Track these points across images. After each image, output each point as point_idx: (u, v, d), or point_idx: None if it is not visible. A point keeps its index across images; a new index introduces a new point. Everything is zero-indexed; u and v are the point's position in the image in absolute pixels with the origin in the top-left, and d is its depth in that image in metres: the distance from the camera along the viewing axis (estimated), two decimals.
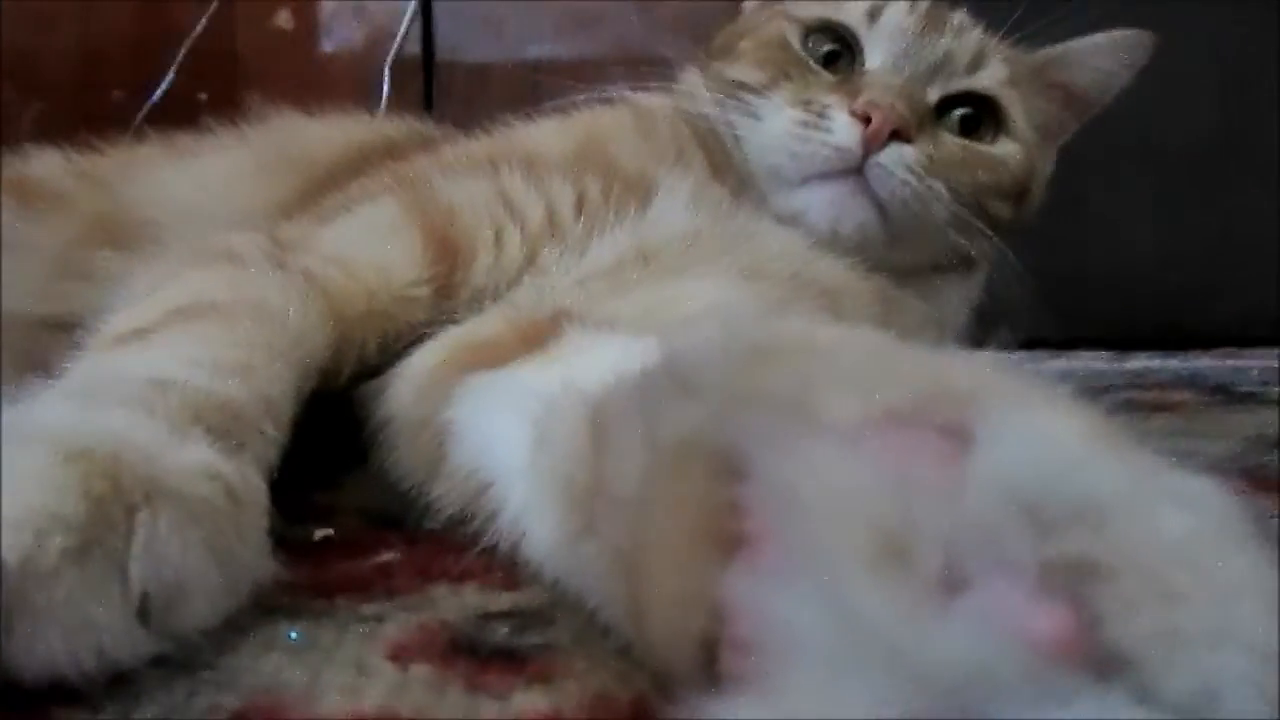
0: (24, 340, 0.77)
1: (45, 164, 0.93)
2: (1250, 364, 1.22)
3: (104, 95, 1.65)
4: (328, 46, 1.77)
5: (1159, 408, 0.96)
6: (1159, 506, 0.20)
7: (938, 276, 0.78)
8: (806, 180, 0.69)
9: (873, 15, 0.74)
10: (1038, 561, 0.20)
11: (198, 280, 0.55)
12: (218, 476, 0.38)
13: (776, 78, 0.73)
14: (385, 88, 1.66)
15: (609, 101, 0.78)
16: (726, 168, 0.73)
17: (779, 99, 0.71)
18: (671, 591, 0.28)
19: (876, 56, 0.73)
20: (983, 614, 0.20)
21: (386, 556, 0.47)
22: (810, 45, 0.75)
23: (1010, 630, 0.20)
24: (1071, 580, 0.19)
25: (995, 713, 0.20)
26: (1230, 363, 1.25)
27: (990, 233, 0.76)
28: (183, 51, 1.63)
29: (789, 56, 0.74)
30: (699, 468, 0.27)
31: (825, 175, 0.69)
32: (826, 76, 0.73)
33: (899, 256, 0.73)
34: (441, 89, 1.70)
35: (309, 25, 1.76)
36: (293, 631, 0.37)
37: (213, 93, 1.67)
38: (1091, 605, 0.19)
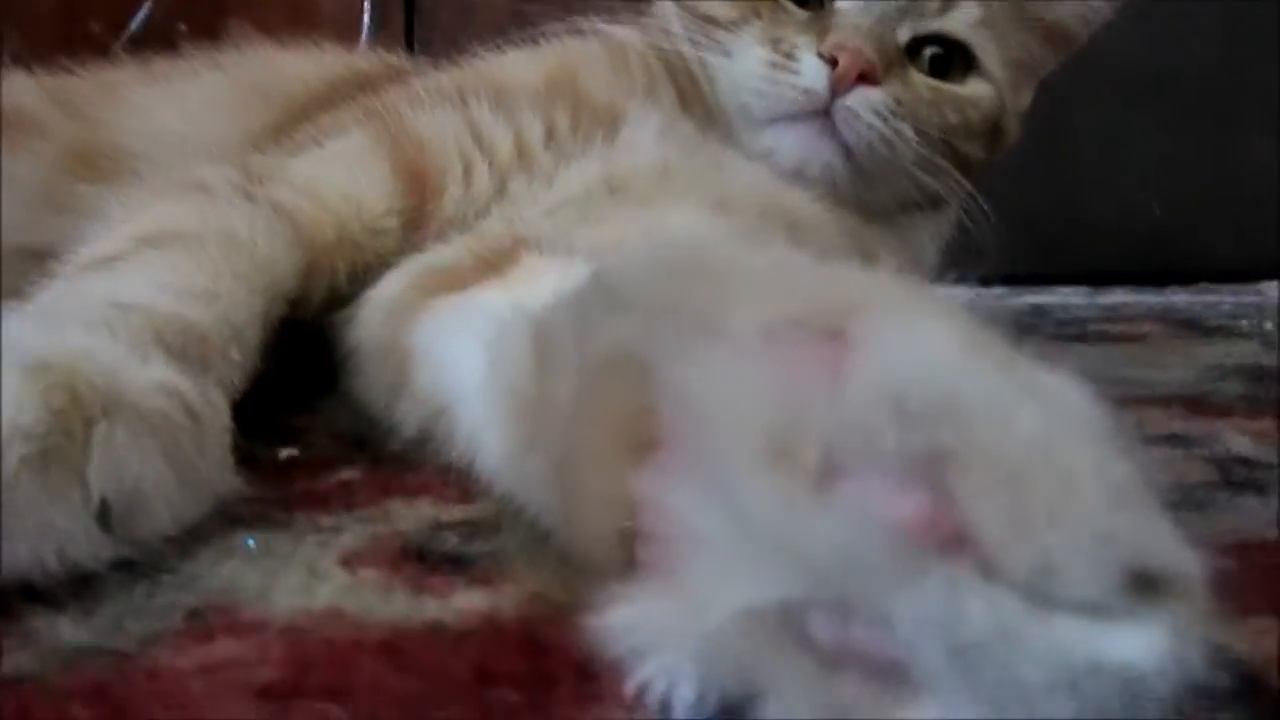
0: (4, 270, 0.78)
1: (20, 90, 0.93)
2: (1225, 299, 1.24)
3: (82, 25, 1.64)
4: None
5: (1125, 339, 0.98)
6: (1015, 403, 0.22)
7: (906, 214, 0.79)
8: (774, 120, 0.70)
9: None
10: (903, 454, 0.21)
11: (167, 210, 0.56)
12: (176, 393, 0.40)
13: (747, 14, 0.73)
14: (366, 19, 1.64)
15: (580, 33, 0.78)
16: (696, 101, 0.74)
17: (749, 36, 0.72)
18: (597, 492, 0.30)
19: None
20: (854, 503, 0.22)
21: (348, 474, 0.49)
22: None
23: (877, 517, 0.22)
24: (932, 470, 0.21)
25: (861, 592, 0.22)
26: (1206, 298, 1.26)
27: (958, 173, 0.77)
28: None
29: None
30: (621, 377, 0.29)
31: (793, 116, 0.69)
32: (798, 14, 0.73)
33: (866, 195, 0.74)
34: (424, 20, 1.68)
35: None
36: (250, 539, 0.40)
37: (193, 23, 1.66)
38: (949, 491, 0.21)
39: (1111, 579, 0.20)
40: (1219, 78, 1.53)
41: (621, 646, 0.26)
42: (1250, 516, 0.44)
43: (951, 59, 0.77)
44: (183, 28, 1.67)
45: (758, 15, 0.73)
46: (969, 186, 0.81)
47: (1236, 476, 0.49)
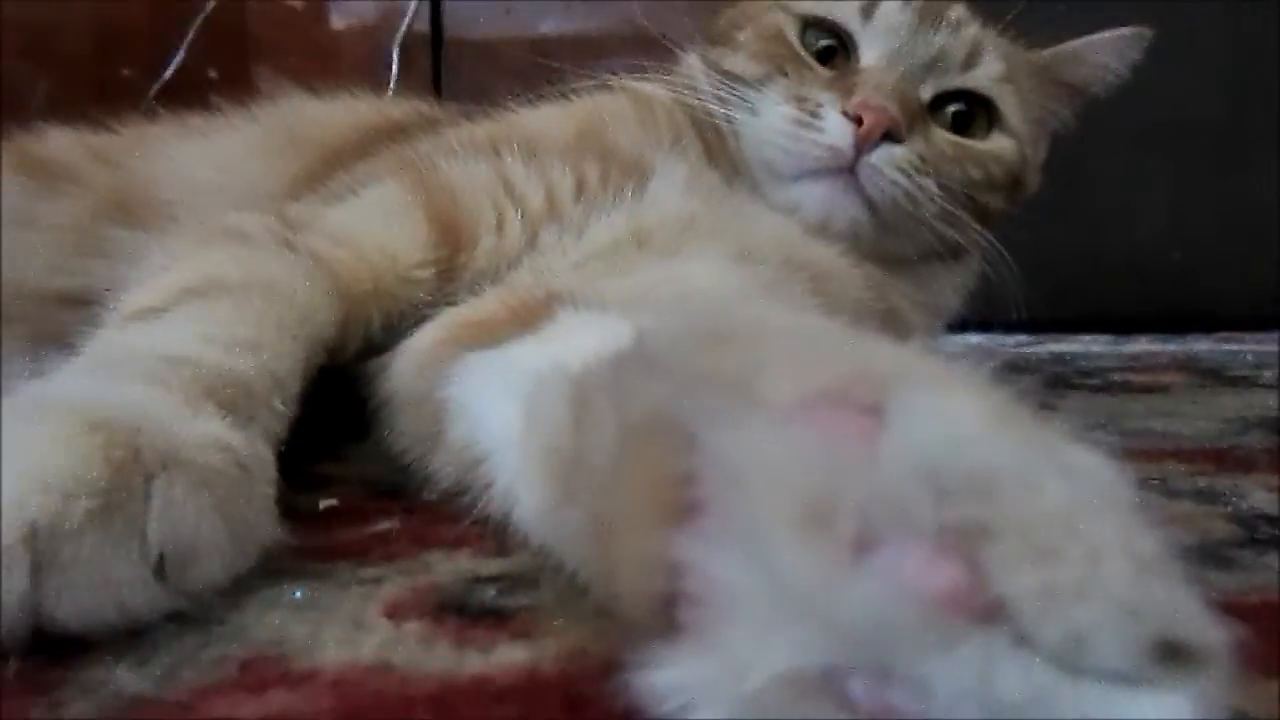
0: (41, 314, 0.81)
1: (59, 142, 0.96)
2: (1246, 348, 1.24)
3: (115, 71, 1.69)
4: (338, 23, 1.80)
5: (1149, 390, 0.98)
6: (1043, 476, 0.23)
7: (928, 265, 0.80)
8: (799, 176, 0.72)
9: (867, 12, 0.76)
10: (936, 525, 0.23)
11: (209, 260, 0.58)
12: (228, 448, 0.41)
13: (772, 72, 0.75)
14: (394, 66, 1.68)
15: (609, 88, 0.81)
16: (721, 154, 0.76)
17: (774, 94, 0.74)
18: (636, 553, 0.31)
19: (871, 53, 0.75)
20: (889, 572, 0.23)
21: (386, 525, 0.51)
22: (806, 39, 0.77)
23: (911, 587, 0.23)
24: (964, 542, 0.23)
25: (898, 659, 0.23)
26: (1227, 347, 1.27)
27: (980, 224, 0.79)
28: (194, 28, 1.66)
29: (785, 51, 0.76)
30: (659, 441, 0.31)
31: (818, 173, 0.71)
32: (822, 72, 0.75)
33: (889, 247, 0.75)
34: (450, 66, 1.72)
35: (319, 2, 1.79)
36: (296, 591, 0.41)
37: (223, 69, 1.70)
38: (981, 564, 0.22)
39: (1138, 649, 0.22)
40: (1233, 125, 1.55)
41: (662, 706, 0.27)
42: (1274, 575, 0.45)
43: (974, 115, 0.79)
44: (213, 74, 1.72)
45: (783, 73, 0.75)
46: (990, 237, 0.82)
47: (1261, 534, 0.50)
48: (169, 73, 1.61)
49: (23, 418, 0.39)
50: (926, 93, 0.76)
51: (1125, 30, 0.86)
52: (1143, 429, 0.77)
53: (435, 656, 0.36)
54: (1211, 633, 0.23)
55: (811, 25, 0.78)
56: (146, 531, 0.37)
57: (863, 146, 0.70)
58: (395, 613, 0.39)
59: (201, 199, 0.84)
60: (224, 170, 0.87)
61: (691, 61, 0.84)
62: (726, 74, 0.77)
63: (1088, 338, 1.34)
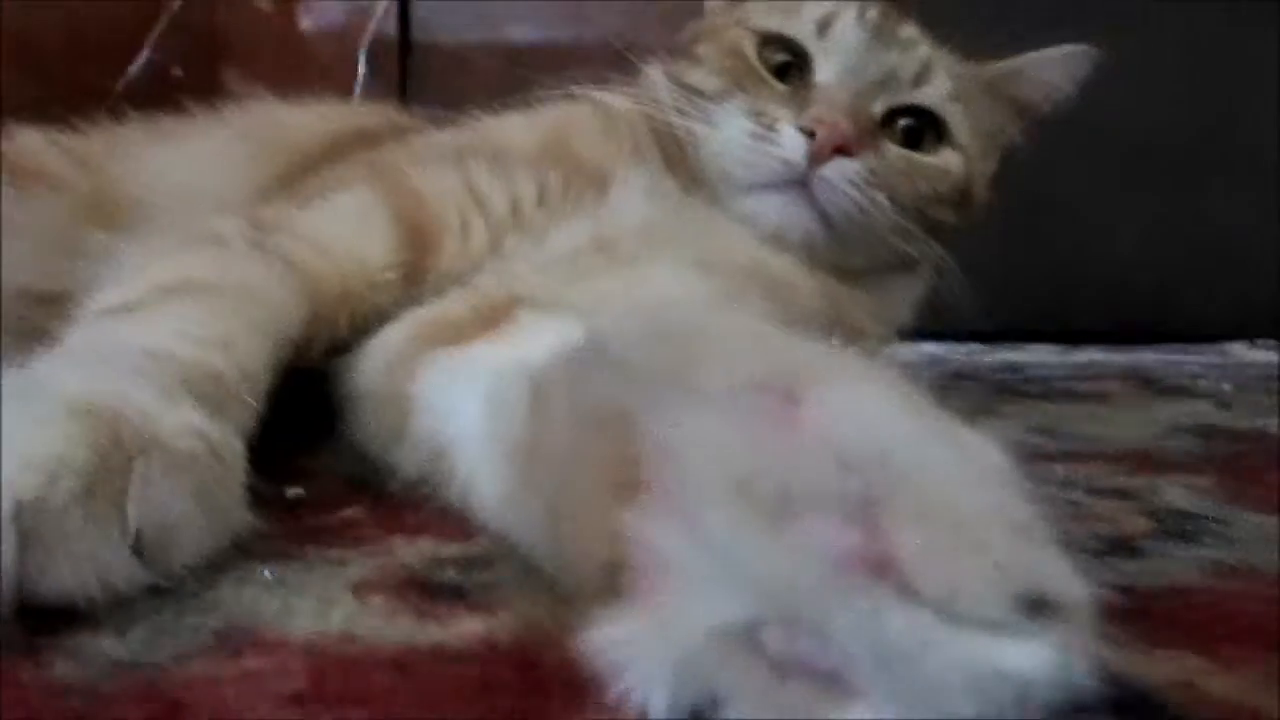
0: (18, 312, 0.83)
1: (32, 143, 0.98)
2: (1190, 359, 1.30)
3: (82, 71, 1.70)
4: (306, 26, 1.82)
5: (1090, 397, 1.04)
6: (934, 454, 0.27)
7: (880, 275, 0.84)
8: (755, 188, 0.76)
9: (822, 29, 0.80)
10: (842, 496, 0.27)
11: (184, 260, 0.61)
12: (203, 435, 0.44)
13: (731, 87, 0.79)
14: (361, 70, 1.70)
15: (573, 98, 0.84)
16: (681, 166, 0.80)
17: (733, 108, 0.77)
18: (586, 528, 0.35)
19: (826, 70, 0.79)
20: (802, 537, 0.27)
21: (351, 513, 0.54)
22: (764, 55, 0.81)
23: (819, 548, 0.27)
24: (864, 509, 0.26)
25: (807, 611, 0.27)
26: (1171, 358, 1.33)
27: (930, 236, 0.83)
28: (160, 28, 1.67)
29: (744, 66, 0.80)
30: (609, 427, 0.34)
31: (773, 185, 0.75)
32: (779, 88, 0.79)
33: (842, 258, 0.79)
34: (417, 72, 1.75)
35: (288, 4, 1.81)
36: (266, 570, 0.44)
37: (190, 70, 1.72)
38: (877, 528, 0.26)
39: (1007, 601, 0.25)
40: (1193, 147, 1.61)
41: (605, 661, 0.31)
42: (1179, 563, 0.49)
43: (923, 130, 0.83)
44: (179, 74, 1.73)
45: (741, 88, 0.79)
46: (940, 249, 0.87)
47: (1171, 527, 0.55)
48: (134, 71, 1.63)
49: (7, 403, 0.41)
50: (879, 108, 0.79)
51: (1070, 47, 0.90)
52: (1078, 433, 0.82)
53: (398, 628, 0.39)
54: (1075, 589, 0.27)
55: (769, 42, 0.81)
56: (126, 511, 0.39)
57: (816, 160, 0.74)
58: (360, 590, 0.43)
59: (176, 201, 0.86)
60: (198, 173, 0.90)
61: (654, 74, 0.87)
62: (687, 87, 0.81)
63: (1040, 348, 1.39)
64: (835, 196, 0.74)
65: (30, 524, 0.37)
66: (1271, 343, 1.47)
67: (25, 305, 0.83)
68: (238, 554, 0.45)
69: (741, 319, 0.39)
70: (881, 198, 0.77)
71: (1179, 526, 0.55)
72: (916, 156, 0.81)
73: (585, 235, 0.73)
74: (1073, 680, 0.26)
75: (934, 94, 0.83)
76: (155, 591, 0.40)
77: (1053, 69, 0.90)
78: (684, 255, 0.72)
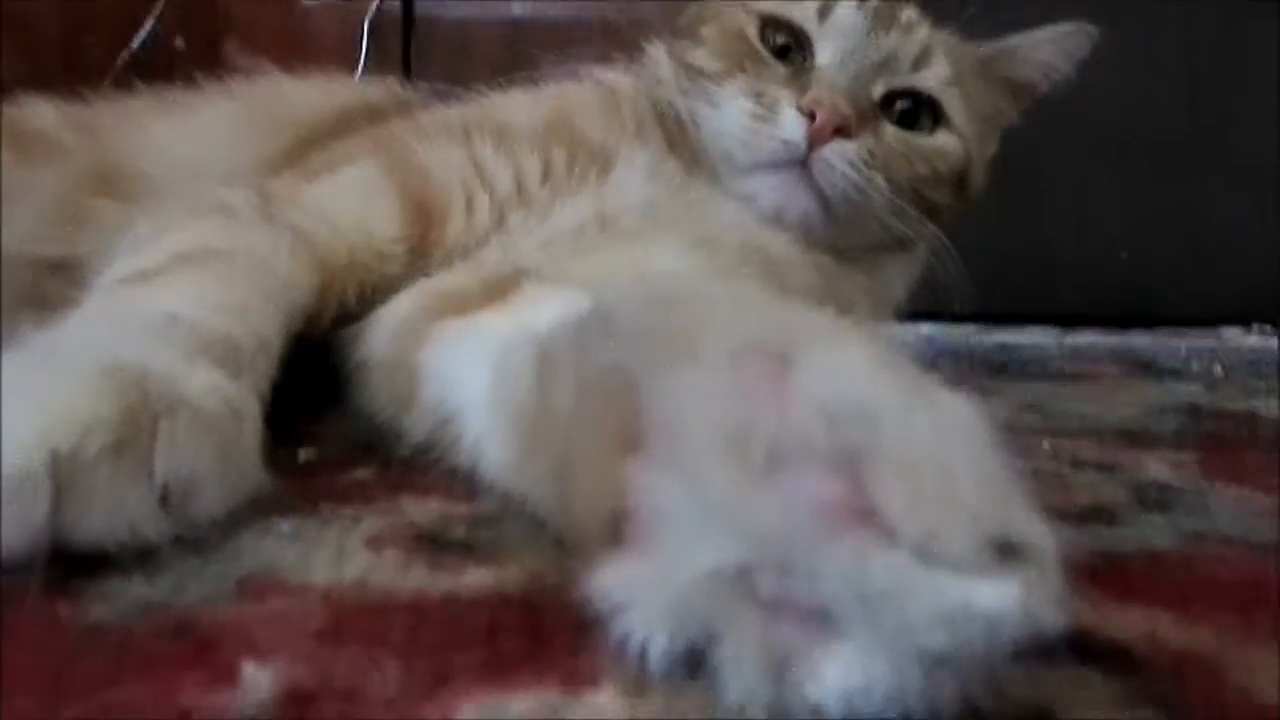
0: (24, 280, 0.85)
1: (39, 113, 1.00)
2: (1184, 343, 1.33)
3: (83, 41, 1.71)
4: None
5: (1083, 377, 1.06)
6: (913, 411, 0.30)
7: (876, 255, 0.87)
8: (755, 168, 0.78)
9: (823, 13, 0.82)
10: (828, 450, 0.29)
11: (199, 230, 0.64)
12: (224, 396, 0.47)
13: (732, 68, 0.81)
14: (364, 44, 1.72)
15: (577, 77, 0.86)
16: (682, 145, 0.82)
17: (734, 88, 0.80)
18: (590, 483, 0.38)
19: (826, 53, 0.81)
20: (791, 487, 0.30)
21: (362, 475, 0.57)
22: (766, 37, 0.83)
23: (807, 498, 0.29)
24: (849, 462, 0.29)
25: (796, 556, 0.30)
26: (1166, 342, 1.35)
27: (927, 218, 0.85)
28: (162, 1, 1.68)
29: (746, 48, 0.82)
30: (613, 389, 0.37)
31: (773, 165, 0.77)
32: (780, 69, 0.81)
33: (840, 238, 0.81)
34: (421, 45, 1.76)
35: None
36: (284, 524, 0.47)
37: (192, 43, 1.73)
38: (861, 479, 0.29)
39: (978, 546, 0.28)
40: (1183, 132, 1.63)
41: (607, 604, 0.34)
42: (1155, 530, 0.52)
43: (920, 112, 0.85)
44: (181, 45, 1.74)
45: (743, 69, 0.81)
46: (937, 231, 0.89)
47: (1148, 498, 0.57)
48: (137, 43, 1.64)
49: (40, 361, 0.44)
50: (877, 91, 0.82)
51: (1067, 25, 0.91)
52: (1067, 411, 0.85)
53: (411, 578, 0.42)
54: (1042, 537, 0.29)
55: (770, 23, 0.83)
56: (153, 465, 0.42)
57: (815, 141, 0.76)
58: (374, 544, 0.45)
59: (181, 173, 0.89)
60: (204, 146, 0.92)
61: (656, 53, 0.89)
62: (689, 67, 0.83)
63: (1036, 330, 1.42)
64: (834, 177, 0.77)
65: (64, 475, 0.39)
66: (1268, 328, 1.50)
67: (34, 272, 0.85)
68: (256, 510, 0.48)
69: (738, 288, 0.41)
70: (879, 179, 0.79)
71: (1157, 498, 0.58)
72: (914, 138, 0.83)
73: (588, 212, 0.76)
74: (1038, 619, 0.29)
75: (932, 78, 0.85)
76: (180, 542, 0.43)
77: (1050, 48, 0.92)
78: (684, 233, 0.75)
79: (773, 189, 0.78)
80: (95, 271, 0.63)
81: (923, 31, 0.86)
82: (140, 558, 0.41)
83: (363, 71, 1.69)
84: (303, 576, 0.41)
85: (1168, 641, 0.38)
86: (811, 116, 0.76)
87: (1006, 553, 0.29)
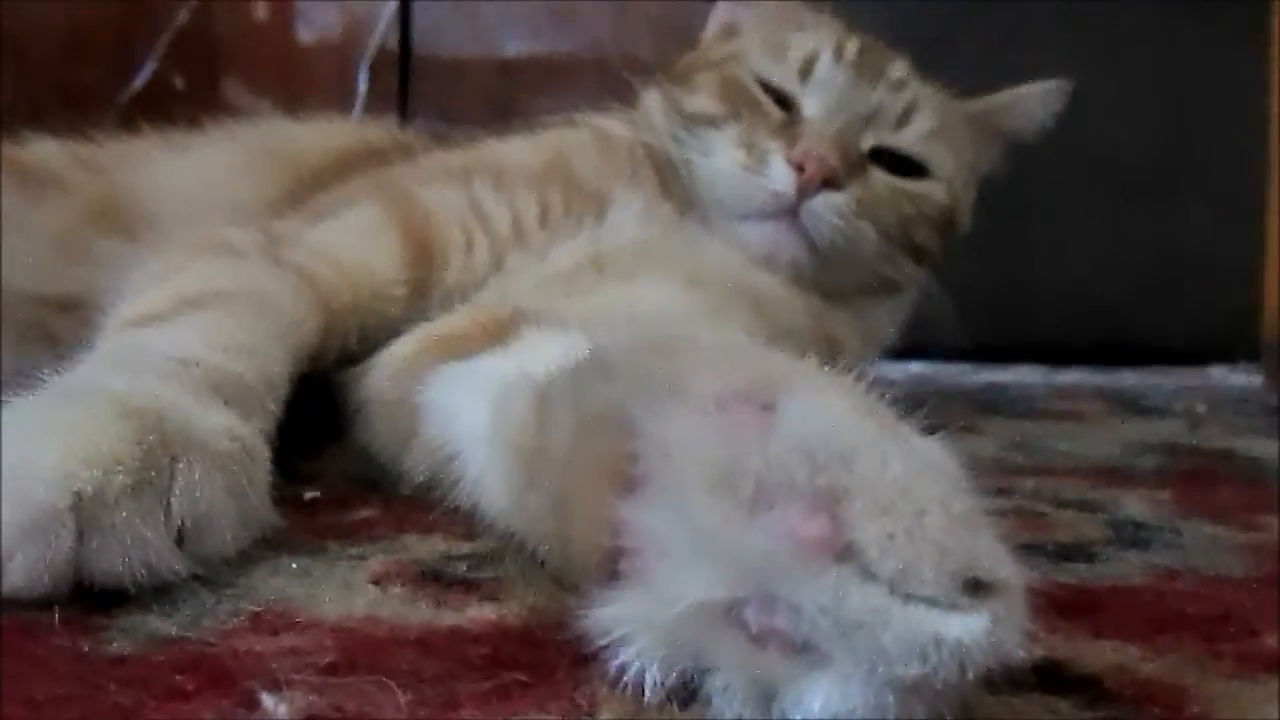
0: (29, 317, 0.88)
1: (44, 150, 1.03)
2: (1169, 381, 1.36)
3: (83, 79, 1.75)
4: (305, 37, 1.87)
5: (1068, 416, 1.09)
6: (890, 454, 0.32)
7: (865, 298, 0.90)
8: (746, 217, 0.82)
9: (804, 73, 0.86)
10: (810, 489, 0.32)
11: (206, 271, 0.67)
12: (237, 437, 0.50)
13: (728, 113, 0.85)
14: (362, 83, 1.76)
15: (573, 123, 0.90)
16: (674, 189, 0.85)
17: (726, 138, 0.83)
18: (587, 520, 0.40)
19: (813, 107, 0.85)
20: (776, 525, 0.32)
21: (366, 513, 0.59)
22: (762, 84, 0.87)
23: (790, 535, 0.32)
24: (829, 501, 0.32)
25: (780, 590, 0.32)
26: (1153, 379, 1.39)
27: (914, 260, 0.89)
28: (166, 39, 1.72)
29: (744, 96, 0.86)
30: (609, 430, 0.39)
31: (763, 214, 0.81)
32: (775, 114, 0.85)
33: (829, 281, 0.85)
34: (417, 84, 1.80)
35: (287, 16, 1.86)
36: (293, 562, 0.49)
37: (191, 81, 1.77)
38: (841, 517, 0.31)
39: (949, 581, 0.31)
40: (1164, 167, 1.68)
41: (604, 637, 0.36)
42: (1130, 566, 0.55)
43: (909, 159, 0.89)
44: (180, 84, 1.78)
45: (737, 115, 0.85)
46: (924, 273, 0.92)
47: (1125, 535, 0.60)
48: (139, 82, 1.68)
49: (60, 402, 0.47)
50: (866, 143, 0.85)
51: (1049, 83, 0.97)
52: (1051, 449, 0.88)
53: (417, 612, 0.44)
54: (1009, 572, 0.32)
55: (759, 84, 0.87)
56: (171, 505, 0.45)
57: (804, 192, 0.80)
58: (380, 580, 0.48)
59: (185, 212, 0.92)
60: (207, 186, 0.95)
61: (650, 99, 0.93)
62: (684, 114, 0.87)
63: (1024, 368, 1.45)
64: (822, 227, 0.80)
65: (87, 514, 0.42)
66: (1252, 366, 1.53)
67: (43, 312, 0.88)
68: (266, 548, 0.50)
69: (727, 335, 0.44)
70: (867, 226, 0.83)
71: (1134, 535, 0.60)
72: (901, 183, 0.87)
73: (584, 254, 0.79)
74: (1005, 649, 0.31)
75: (915, 134, 0.88)
76: (195, 579, 0.45)
77: (1034, 103, 0.97)
78: (677, 275, 0.78)
79: (763, 236, 0.81)
80: (104, 310, 0.65)
81: (910, 88, 0.90)
82: (158, 593, 0.44)
83: (361, 109, 1.73)
84: (313, 612, 0.43)
85: (1134, 672, 0.40)
86: (800, 168, 0.79)
87: (976, 588, 0.31)
